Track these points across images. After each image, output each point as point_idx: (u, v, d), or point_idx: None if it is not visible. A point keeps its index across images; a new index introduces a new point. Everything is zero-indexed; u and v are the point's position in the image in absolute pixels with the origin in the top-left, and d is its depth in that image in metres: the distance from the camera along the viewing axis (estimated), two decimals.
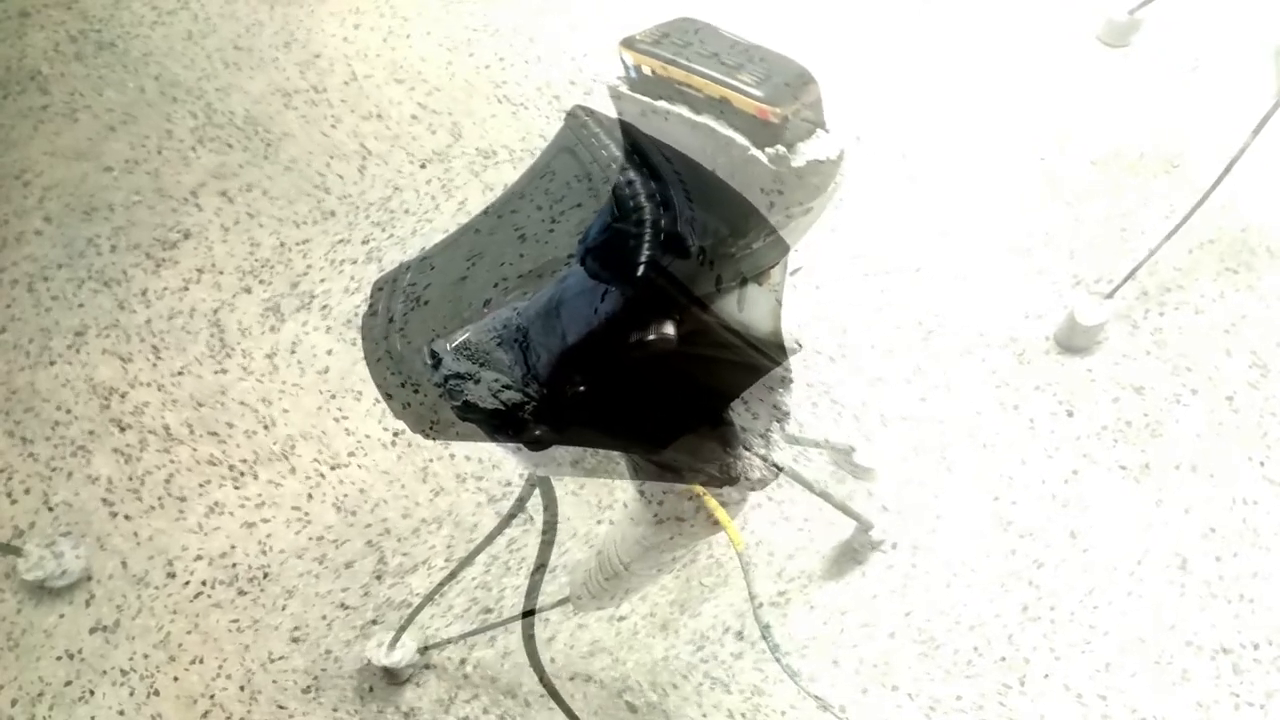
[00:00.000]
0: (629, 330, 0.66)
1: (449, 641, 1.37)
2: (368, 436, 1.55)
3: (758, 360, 0.77)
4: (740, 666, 1.37)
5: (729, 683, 1.37)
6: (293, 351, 1.63)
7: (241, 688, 1.37)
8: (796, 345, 0.80)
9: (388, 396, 0.75)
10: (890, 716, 1.34)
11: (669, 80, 0.77)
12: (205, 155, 1.82)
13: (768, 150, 0.73)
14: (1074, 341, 1.61)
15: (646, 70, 0.77)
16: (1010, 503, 1.48)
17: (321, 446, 1.55)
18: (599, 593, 1.05)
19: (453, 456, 1.54)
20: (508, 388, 0.68)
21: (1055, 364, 1.60)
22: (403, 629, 1.31)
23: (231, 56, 1.98)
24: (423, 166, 1.83)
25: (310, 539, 1.47)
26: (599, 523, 1.46)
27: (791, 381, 0.83)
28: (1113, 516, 1.46)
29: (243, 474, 1.51)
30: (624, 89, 0.78)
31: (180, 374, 1.60)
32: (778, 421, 0.85)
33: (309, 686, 1.37)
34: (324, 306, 1.67)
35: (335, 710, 1.36)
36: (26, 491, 1.48)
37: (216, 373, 1.60)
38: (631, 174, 0.66)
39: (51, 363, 1.58)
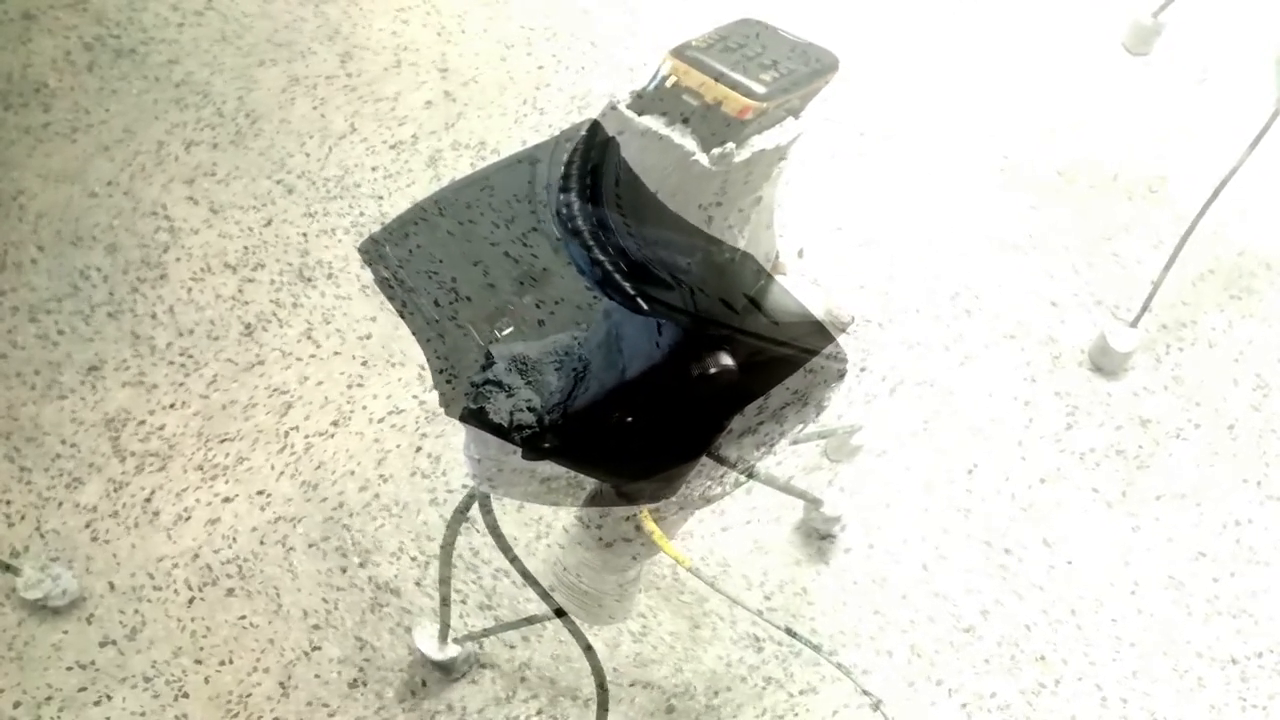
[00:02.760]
0: (687, 365, 0.66)
1: (485, 634, 1.34)
2: (374, 397, 1.53)
3: (808, 358, 0.77)
4: (800, 662, 1.37)
5: (785, 680, 1.36)
6: (328, 320, 1.61)
7: (280, 684, 1.33)
8: (851, 319, 0.79)
9: (438, 372, 0.76)
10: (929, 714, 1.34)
11: (685, 88, 0.74)
12: (185, 157, 1.78)
13: (713, 152, 0.71)
14: (1105, 363, 1.61)
15: (669, 82, 0.74)
16: (966, 490, 1.50)
17: (327, 414, 1.52)
18: (581, 607, 1.04)
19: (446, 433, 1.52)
20: (531, 410, 0.68)
21: (1082, 378, 1.62)
22: (445, 619, 1.27)
23: (268, 53, 1.93)
24: (391, 148, 1.81)
25: (270, 519, 1.44)
26: (537, 538, 1.45)
27: (844, 372, 0.83)
28: (1085, 538, 1.48)
29: (227, 469, 1.48)
30: (622, 107, 0.74)
31: (213, 383, 1.56)
32: (810, 421, 0.84)
33: (355, 680, 1.33)
34: (343, 270, 1.66)
35: (382, 708, 1.32)
36: (22, 518, 1.44)
37: (253, 367, 1.57)
38: (571, 198, 0.67)
39: (63, 397, 1.53)
